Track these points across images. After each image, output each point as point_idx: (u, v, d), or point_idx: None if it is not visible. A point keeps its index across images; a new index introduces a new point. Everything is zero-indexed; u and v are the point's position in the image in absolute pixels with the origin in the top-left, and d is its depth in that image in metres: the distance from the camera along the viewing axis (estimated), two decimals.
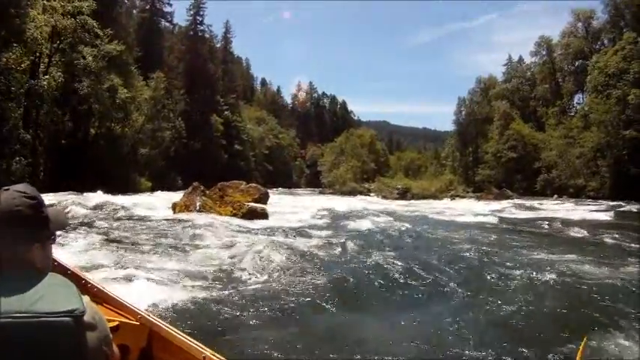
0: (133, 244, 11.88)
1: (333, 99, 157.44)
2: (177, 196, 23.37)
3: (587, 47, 63.60)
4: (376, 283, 8.30)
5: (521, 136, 64.14)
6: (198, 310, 6.61)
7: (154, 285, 7.60)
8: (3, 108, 27.71)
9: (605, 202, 37.33)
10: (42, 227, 1.58)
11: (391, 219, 20.99)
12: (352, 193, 56.76)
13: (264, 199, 28.24)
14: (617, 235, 15.48)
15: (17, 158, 27.94)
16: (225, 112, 74.91)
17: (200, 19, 75.27)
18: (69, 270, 2.89)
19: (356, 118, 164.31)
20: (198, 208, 19.70)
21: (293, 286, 7.96)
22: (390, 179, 65.83)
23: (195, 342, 2.43)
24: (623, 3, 56.39)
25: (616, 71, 49.23)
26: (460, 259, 10.20)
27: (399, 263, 9.39)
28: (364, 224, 18.29)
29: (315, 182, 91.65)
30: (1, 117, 27.70)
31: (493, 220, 22.25)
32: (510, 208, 31.52)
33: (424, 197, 49.16)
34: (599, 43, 62.95)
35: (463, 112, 78.39)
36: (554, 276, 8.39)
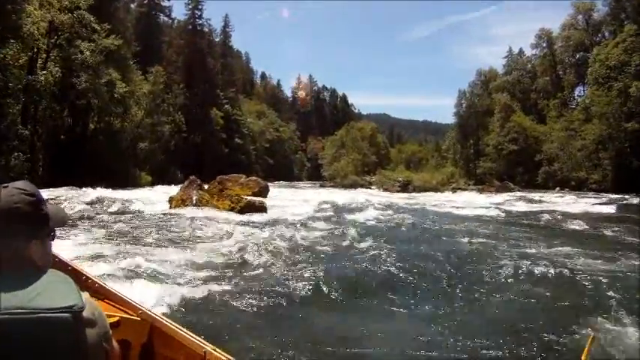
0: (126, 240, 11.77)
1: (333, 92, 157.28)
2: (176, 190, 23.20)
3: (587, 39, 63.45)
4: (376, 278, 8.20)
5: (522, 128, 64.03)
6: (189, 304, 6.54)
7: (146, 281, 7.54)
8: (1, 104, 27.65)
9: (607, 195, 37.16)
10: (41, 224, 1.56)
11: (392, 212, 20.88)
12: (353, 186, 56.70)
13: (264, 192, 28.23)
14: (619, 229, 15.36)
15: (16, 154, 27.82)
16: (225, 106, 74.86)
17: (199, 13, 75.14)
18: (70, 266, 2.95)
19: (356, 111, 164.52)
20: (194, 202, 19.53)
21: (290, 281, 7.85)
22: (391, 172, 65.71)
23: (196, 337, 2.45)
24: None
25: (617, 63, 48.98)
26: (461, 253, 10.13)
27: (400, 257, 9.32)
28: (364, 217, 18.20)
29: (316, 175, 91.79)
30: (0, 113, 27.58)
31: (495, 213, 22.16)
32: (512, 200, 31.43)
33: (425, 190, 49.03)
34: (599, 35, 62.73)
35: (464, 105, 78.38)
36: (557, 270, 8.34)
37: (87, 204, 19.46)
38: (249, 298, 6.91)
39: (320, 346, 5.46)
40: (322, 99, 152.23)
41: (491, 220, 18.90)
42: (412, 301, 7.19)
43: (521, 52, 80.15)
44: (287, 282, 7.78)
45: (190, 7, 74.48)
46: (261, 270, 8.82)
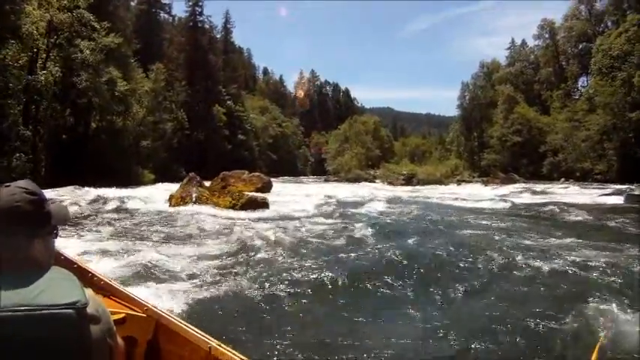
0: (123, 239, 11.70)
1: (336, 86, 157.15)
2: (177, 187, 23.14)
3: (590, 30, 63.22)
4: (380, 273, 8.04)
5: (526, 119, 63.80)
6: (185, 302, 6.51)
7: (143, 280, 7.55)
8: (2, 105, 27.57)
9: (612, 185, 36.93)
10: (43, 222, 1.58)
11: (396, 206, 20.78)
12: (357, 180, 56.79)
13: (267, 187, 28.22)
14: (625, 220, 15.21)
15: (17, 155, 27.77)
16: (228, 102, 74.79)
17: (199, 10, 74.97)
18: (75, 264, 3.01)
19: (359, 105, 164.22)
20: (194, 199, 19.37)
21: (290, 277, 7.76)
22: (395, 165, 65.81)
23: (202, 333, 2.46)
24: None
25: (620, 53, 48.82)
26: (466, 247, 9.95)
27: (404, 252, 9.22)
28: (368, 212, 18.10)
29: (320, 170, 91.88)
30: (1, 114, 27.57)
31: (500, 205, 22.05)
32: (517, 192, 31.32)
33: (430, 183, 49.06)
34: (602, 25, 62.39)
35: (467, 97, 78.06)
36: (565, 264, 8.27)
37: (88, 203, 19.45)
38: (247, 295, 6.92)
39: (322, 340, 5.45)
40: (325, 93, 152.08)
41: (496, 213, 18.72)
42: (414, 296, 7.11)
43: (523, 43, 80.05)
44: (288, 279, 7.69)
45: (191, 3, 74.38)
46: (259, 267, 8.73)
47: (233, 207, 18.51)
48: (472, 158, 73.44)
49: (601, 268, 8.06)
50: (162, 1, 77.36)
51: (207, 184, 22.80)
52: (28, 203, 1.52)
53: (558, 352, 5.23)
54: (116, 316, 2.27)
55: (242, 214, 17.28)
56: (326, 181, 62.40)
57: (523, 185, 39.77)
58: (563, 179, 50.29)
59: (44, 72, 30.83)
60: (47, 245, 1.59)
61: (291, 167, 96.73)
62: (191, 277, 7.97)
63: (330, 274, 7.78)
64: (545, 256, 8.81)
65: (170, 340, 2.58)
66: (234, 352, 2.32)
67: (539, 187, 36.57)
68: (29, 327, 1.33)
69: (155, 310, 2.69)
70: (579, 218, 16.51)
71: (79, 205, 18.45)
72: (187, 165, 51.52)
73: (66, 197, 20.46)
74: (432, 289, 7.43)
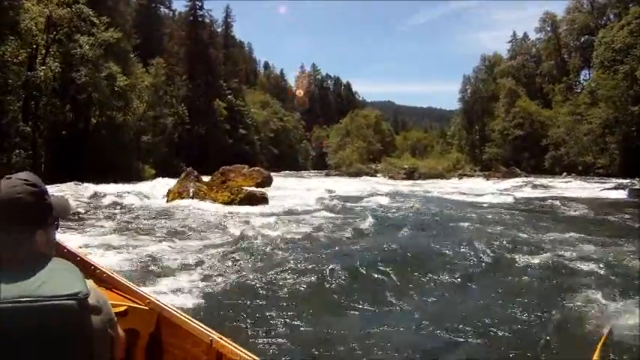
0: (119, 234, 11.72)
1: (337, 80, 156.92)
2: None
3: (592, 22, 62.93)
4: (380, 269, 8.05)
5: (527, 113, 63.68)
6: (182, 298, 6.53)
7: (139, 275, 7.57)
8: (1, 101, 27.46)
9: (614, 179, 36.84)
10: (44, 214, 1.58)
11: (397, 200, 20.71)
12: (359, 174, 56.78)
13: (267, 182, 28.14)
14: (627, 214, 15.14)
15: (17, 151, 27.69)
16: (229, 97, 74.75)
17: (200, 4, 74.77)
18: (78, 256, 2.99)
19: (360, 98, 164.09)
20: (191, 194, 19.27)
21: (287, 273, 7.76)
22: (396, 159, 65.67)
23: (204, 326, 2.47)
24: None
25: (623, 46, 48.51)
26: (467, 241, 9.97)
27: (404, 246, 9.33)
28: (369, 206, 18.08)
29: (321, 164, 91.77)
30: (0, 110, 27.43)
31: (501, 199, 22.01)
32: (519, 186, 31.31)
33: (431, 177, 49.02)
34: (604, 18, 62.06)
35: (468, 91, 77.91)
36: (567, 258, 8.37)
37: (87, 198, 19.39)
38: (245, 289, 6.97)
39: (321, 333, 5.49)
40: (326, 87, 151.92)
41: (497, 207, 18.62)
42: (414, 291, 7.13)
43: (525, 36, 79.81)
44: (285, 272, 7.73)
45: None
46: (255, 260, 8.76)
47: (231, 202, 18.44)
48: (473, 152, 73.35)
49: (603, 263, 8.02)
50: None
51: (207, 178, 22.71)
52: (30, 195, 1.52)
53: (561, 347, 5.20)
54: (118, 309, 2.30)
55: (241, 209, 17.22)
56: (327, 175, 62.42)
57: (525, 179, 39.75)
58: (565, 173, 50.14)
59: (43, 68, 30.74)
60: (48, 237, 1.60)
61: (292, 161, 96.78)
62: (186, 270, 7.99)
63: (329, 268, 7.79)
64: (546, 251, 8.80)
65: (172, 333, 2.60)
66: (235, 345, 2.33)
67: (540, 181, 36.52)
68: (31, 318, 1.34)
69: (157, 302, 2.70)
70: (581, 213, 16.47)
71: (79, 201, 18.38)
72: (188, 160, 51.43)
73: (66, 193, 20.33)
74: (432, 283, 7.49)
